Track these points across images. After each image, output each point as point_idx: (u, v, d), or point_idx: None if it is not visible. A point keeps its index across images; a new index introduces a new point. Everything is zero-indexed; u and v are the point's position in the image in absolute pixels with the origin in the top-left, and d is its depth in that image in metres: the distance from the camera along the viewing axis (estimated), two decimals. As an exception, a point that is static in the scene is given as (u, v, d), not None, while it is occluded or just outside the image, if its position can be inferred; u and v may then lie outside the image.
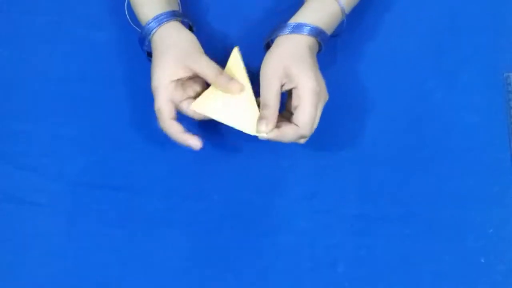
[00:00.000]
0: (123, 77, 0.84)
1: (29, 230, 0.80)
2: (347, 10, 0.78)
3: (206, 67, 0.74)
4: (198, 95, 0.76)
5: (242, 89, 0.75)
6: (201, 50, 0.76)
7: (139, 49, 0.79)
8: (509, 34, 0.85)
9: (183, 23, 0.79)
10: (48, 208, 0.80)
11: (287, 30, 0.75)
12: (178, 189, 0.81)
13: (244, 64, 0.76)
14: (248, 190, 0.81)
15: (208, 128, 0.81)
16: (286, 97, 0.76)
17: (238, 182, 0.81)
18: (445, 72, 0.84)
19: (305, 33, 0.75)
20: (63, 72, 0.85)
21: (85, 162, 0.82)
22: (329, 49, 0.82)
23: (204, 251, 0.79)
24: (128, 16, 0.82)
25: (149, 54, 0.78)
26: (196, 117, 0.76)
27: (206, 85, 0.77)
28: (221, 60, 0.76)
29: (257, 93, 0.75)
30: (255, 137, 0.74)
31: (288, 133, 0.73)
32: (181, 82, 0.75)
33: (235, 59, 0.76)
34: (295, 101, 0.74)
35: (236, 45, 0.77)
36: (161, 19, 0.75)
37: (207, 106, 0.75)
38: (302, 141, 0.75)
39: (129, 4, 0.80)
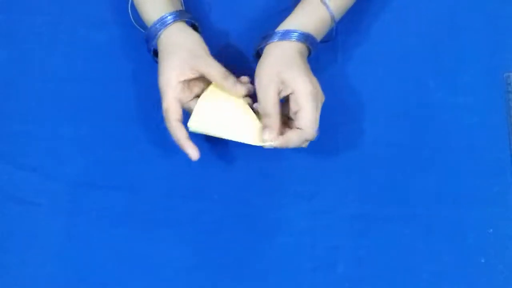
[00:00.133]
0: (123, 77, 0.84)
1: (29, 230, 0.80)
2: (337, 16, 0.78)
3: (213, 69, 0.75)
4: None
5: (246, 91, 0.76)
6: (207, 51, 0.76)
7: (140, 48, 0.79)
8: (509, 34, 0.85)
9: (187, 22, 0.79)
10: (48, 208, 0.80)
11: (275, 37, 0.75)
12: (178, 189, 0.81)
13: (245, 64, 0.76)
14: (248, 190, 0.81)
15: (208, 128, 0.81)
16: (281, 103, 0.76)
17: (238, 182, 0.81)
18: (445, 72, 0.84)
19: (294, 39, 0.75)
20: (63, 72, 0.85)
21: (85, 162, 0.82)
22: (329, 49, 0.82)
23: (204, 251, 0.79)
24: (131, 16, 0.82)
25: (155, 54, 0.78)
26: None
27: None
28: (222, 60, 0.76)
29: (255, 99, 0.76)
30: (255, 137, 0.75)
31: (293, 138, 0.74)
32: (188, 82, 0.76)
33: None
34: (294, 106, 0.74)
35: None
36: (166, 21, 0.75)
37: (203, 124, 0.75)
38: (305, 144, 0.75)
39: (132, 4, 0.80)
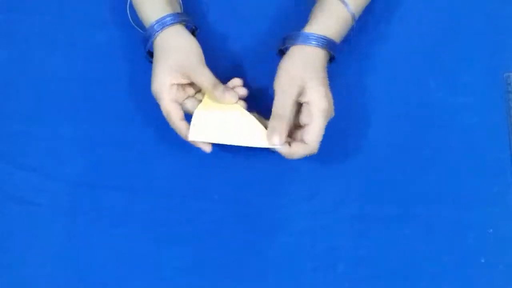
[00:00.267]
0: (123, 77, 0.84)
1: (29, 230, 0.80)
2: (357, 15, 0.78)
3: (203, 78, 0.75)
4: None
5: (236, 98, 0.76)
6: (202, 58, 0.76)
7: (139, 49, 0.79)
8: (509, 34, 0.85)
9: (186, 25, 0.78)
10: (48, 208, 0.80)
11: (302, 40, 0.74)
12: (178, 188, 0.81)
13: (244, 65, 0.76)
14: (248, 190, 0.81)
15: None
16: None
17: (238, 182, 0.81)
18: (445, 72, 0.84)
19: (319, 45, 0.74)
20: (63, 72, 0.85)
21: (85, 162, 0.82)
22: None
23: (204, 251, 0.79)
24: (129, 16, 0.82)
25: (150, 54, 0.78)
26: None
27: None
28: (221, 61, 0.76)
29: (259, 105, 0.76)
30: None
31: (298, 152, 0.74)
32: (181, 84, 0.76)
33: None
34: (305, 117, 0.73)
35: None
36: (164, 22, 0.75)
37: (203, 133, 0.75)
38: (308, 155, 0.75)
39: (131, 4, 0.80)
